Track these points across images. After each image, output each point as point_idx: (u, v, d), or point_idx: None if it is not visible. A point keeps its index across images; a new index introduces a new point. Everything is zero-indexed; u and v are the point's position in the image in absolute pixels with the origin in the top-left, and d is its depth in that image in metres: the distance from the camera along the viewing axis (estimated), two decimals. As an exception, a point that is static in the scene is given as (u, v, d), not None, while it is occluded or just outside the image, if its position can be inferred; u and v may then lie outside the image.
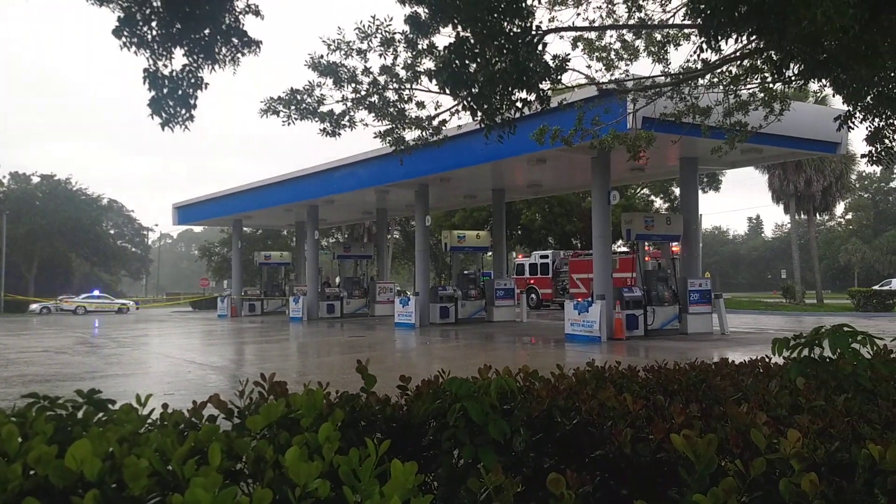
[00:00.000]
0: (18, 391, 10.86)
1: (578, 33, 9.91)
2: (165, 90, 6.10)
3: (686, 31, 9.91)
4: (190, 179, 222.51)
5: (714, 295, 21.68)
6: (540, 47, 6.70)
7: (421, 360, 16.56)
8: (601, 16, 9.80)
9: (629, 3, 9.40)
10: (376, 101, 9.30)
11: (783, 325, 25.64)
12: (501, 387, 2.69)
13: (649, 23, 9.77)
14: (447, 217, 47.43)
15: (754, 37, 6.69)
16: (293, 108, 9.28)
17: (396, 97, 9.32)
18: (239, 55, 6.26)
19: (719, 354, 13.43)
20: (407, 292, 33.98)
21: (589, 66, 10.58)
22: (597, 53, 10.49)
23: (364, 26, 8.57)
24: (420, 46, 8.19)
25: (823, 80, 7.52)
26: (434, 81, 6.93)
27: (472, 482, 2.05)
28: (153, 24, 5.77)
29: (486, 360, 3.90)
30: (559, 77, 7.12)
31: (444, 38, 6.98)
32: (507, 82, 6.49)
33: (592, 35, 10.24)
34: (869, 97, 7.36)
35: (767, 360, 4.06)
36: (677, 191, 34.81)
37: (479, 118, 7.11)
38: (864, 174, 76.87)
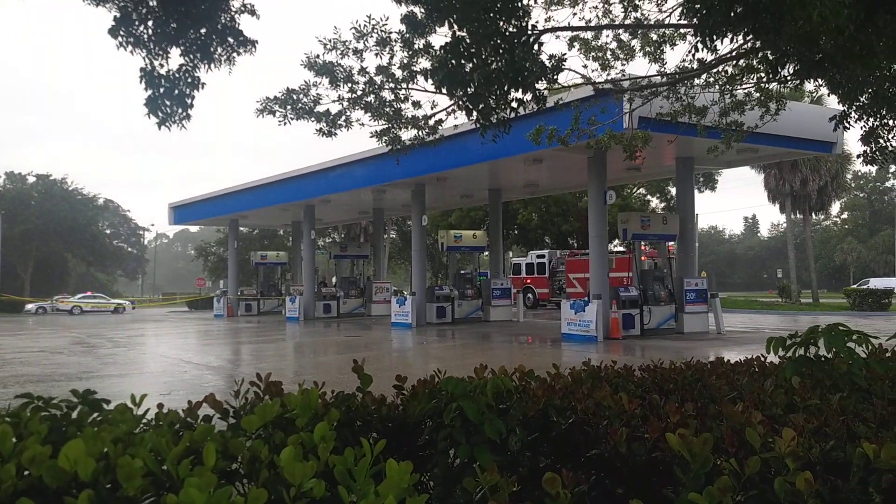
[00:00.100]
0: (13, 391, 10.84)
1: (574, 33, 9.91)
2: (162, 89, 6.09)
3: (682, 30, 9.92)
4: (186, 179, 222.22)
5: (710, 294, 21.73)
6: (536, 47, 6.69)
7: (417, 359, 16.55)
8: (597, 15, 9.81)
9: (625, 3, 9.41)
10: (372, 100, 9.29)
11: (779, 325, 25.68)
12: (497, 386, 2.69)
13: (645, 22, 9.78)
14: (444, 217, 47.44)
15: (750, 36, 6.70)
16: (289, 107, 9.27)
17: (393, 97, 9.31)
18: (235, 54, 6.25)
19: (715, 354, 13.45)
20: (403, 292, 33.98)
21: (585, 66, 10.61)
22: (593, 53, 10.50)
23: (360, 26, 8.56)
24: (416, 46, 8.19)
25: (819, 80, 7.54)
26: (430, 81, 6.92)
27: (468, 481, 2.05)
28: (149, 23, 5.77)
29: (482, 359, 3.91)
30: (555, 77, 7.12)
31: (440, 37, 6.98)
32: (503, 82, 6.49)
33: (588, 35, 10.25)
34: (864, 97, 7.38)
35: (763, 359, 4.06)
36: (673, 190, 34.83)
37: (474, 118, 7.11)
38: (859, 174, 77.04)
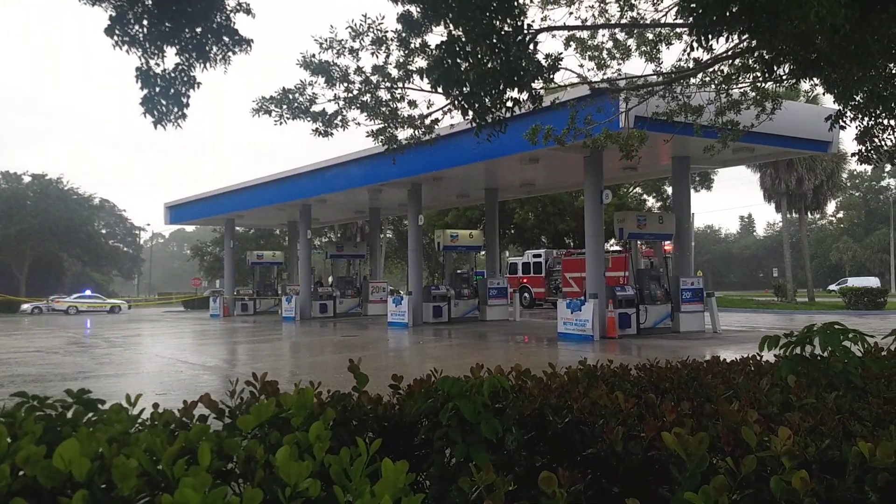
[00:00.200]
0: (8, 391, 10.80)
1: (571, 32, 9.92)
2: (158, 89, 6.09)
3: (678, 30, 9.93)
4: (183, 179, 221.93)
5: (706, 293, 21.76)
6: (532, 46, 6.70)
7: (413, 359, 16.55)
8: (593, 15, 9.82)
9: (621, 3, 9.41)
10: (368, 100, 9.29)
11: (775, 324, 25.73)
12: (493, 386, 2.69)
13: (641, 22, 9.79)
14: (440, 216, 47.44)
15: (746, 36, 6.71)
16: (285, 107, 9.27)
17: (389, 96, 9.32)
18: (230, 54, 6.24)
19: (711, 353, 13.47)
20: (400, 291, 33.98)
21: (581, 66, 10.60)
22: (589, 52, 10.50)
23: (356, 25, 8.56)
24: (412, 45, 8.18)
25: (815, 79, 7.55)
26: (426, 80, 6.92)
27: (464, 481, 2.05)
28: (144, 22, 5.75)
29: (478, 359, 3.90)
30: (551, 76, 7.12)
31: (436, 36, 6.99)
32: (499, 81, 6.49)
33: (585, 34, 10.26)
34: (859, 96, 7.40)
35: (759, 358, 4.07)
36: (669, 190, 34.90)
37: (470, 117, 7.11)
38: (855, 173, 77.20)
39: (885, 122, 8.02)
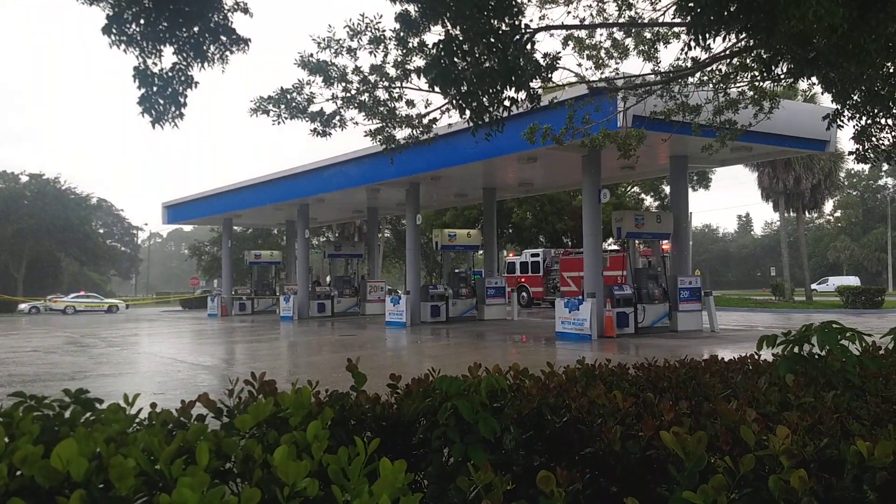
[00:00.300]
0: (5, 391, 10.79)
1: (569, 32, 9.92)
2: (155, 88, 6.08)
3: (676, 29, 9.93)
4: (182, 179, 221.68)
5: (704, 292, 21.78)
6: (529, 46, 6.69)
7: (411, 358, 16.54)
8: (591, 14, 9.82)
9: (619, 2, 9.41)
10: (366, 99, 9.29)
11: (772, 322, 25.77)
12: (491, 385, 2.69)
13: (639, 21, 9.79)
14: (438, 216, 47.42)
15: (743, 35, 6.72)
16: (283, 107, 9.26)
17: (387, 96, 9.31)
18: (228, 53, 6.24)
19: (709, 352, 13.49)
20: (398, 291, 33.97)
21: (579, 65, 10.61)
22: (587, 52, 10.51)
23: (354, 24, 8.55)
24: (410, 44, 8.18)
25: (812, 79, 7.57)
26: (423, 78, 6.91)
27: (462, 480, 2.05)
28: (141, 21, 5.74)
29: (476, 358, 3.91)
30: (549, 75, 7.12)
31: (434, 36, 6.98)
32: (496, 80, 6.48)
33: (583, 33, 10.26)
34: (857, 95, 7.41)
35: (757, 357, 4.07)
36: (667, 189, 34.90)
37: (467, 116, 7.11)
38: (852, 172, 77.22)
39: (883, 121, 8.04)
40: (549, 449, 2.61)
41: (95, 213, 71.60)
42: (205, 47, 6.06)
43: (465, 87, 6.59)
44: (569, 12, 9.75)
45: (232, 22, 6.17)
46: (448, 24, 6.37)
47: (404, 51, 8.44)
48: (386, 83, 9.08)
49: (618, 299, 20.16)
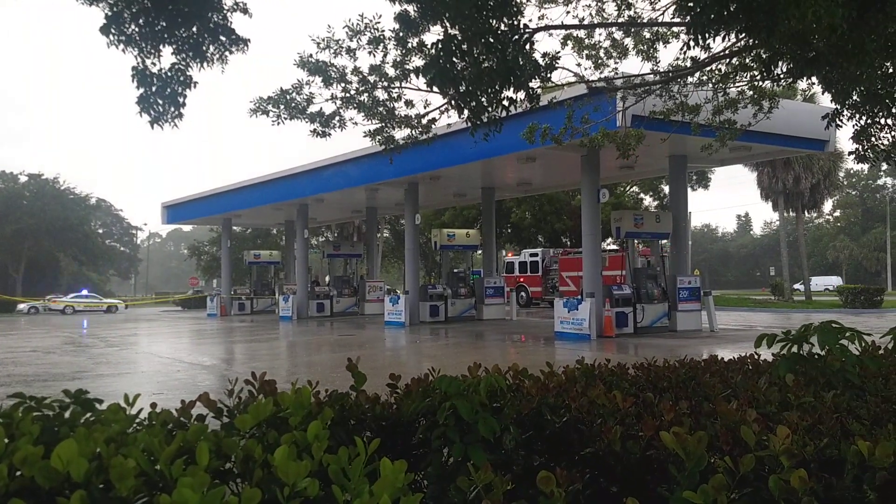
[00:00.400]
0: (5, 391, 10.79)
1: (568, 31, 9.92)
2: (154, 88, 6.07)
3: (675, 29, 9.93)
4: (181, 179, 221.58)
5: (703, 292, 21.78)
6: (528, 45, 6.69)
7: (411, 358, 16.54)
8: (591, 14, 9.82)
9: (619, 2, 9.41)
10: (365, 99, 9.28)
11: (772, 322, 25.78)
12: (491, 385, 2.69)
13: (639, 21, 9.79)
14: (437, 215, 47.43)
15: (743, 35, 6.72)
16: (282, 107, 9.25)
17: (386, 96, 9.31)
18: (227, 53, 6.23)
19: (708, 351, 13.49)
20: (397, 291, 33.96)
21: (579, 64, 10.61)
22: (586, 51, 10.50)
23: (353, 24, 8.55)
24: (409, 44, 8.17)
25: (812, 78, 7.57)
26: (422, 79, 6.91)
27: (462, 480, 2.05)
28: (140, 21, 5.74)
29: (475, 358, 3.91)
30: (548, 75, 7.12)
31: (433, 36, 6.97)
32: (495, 80, 6.48)
33: (582, 33, 10.26)
34: (856, 95, 7.41)
35: (756, 356, 4.07)
36: (667, 188, 34.91)
37: (465, 116, 7.11)
38: (851, 171, 77.26)
39: (882, 120, 8.04)
40: (549, 449, 2.61)
41: (94, 213, 71.53)
42: (204, 47, 6.05)
43: (464, 87, 6.59)
44: (568, 12, 9.75)
45: (231, 22, 6.16)
46: (447, 23, 6.36)
47: (403, 51, 8.44)
48: (385, 83, 9.08)
49: (617, 299, 20.16)
